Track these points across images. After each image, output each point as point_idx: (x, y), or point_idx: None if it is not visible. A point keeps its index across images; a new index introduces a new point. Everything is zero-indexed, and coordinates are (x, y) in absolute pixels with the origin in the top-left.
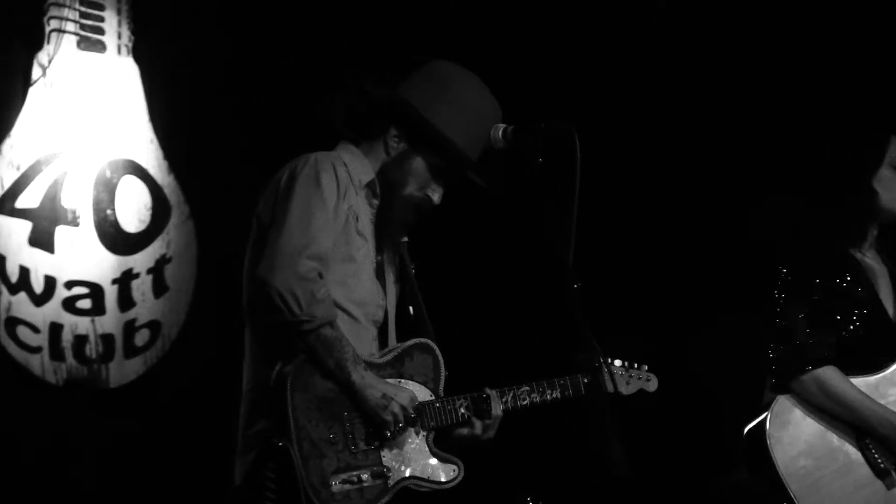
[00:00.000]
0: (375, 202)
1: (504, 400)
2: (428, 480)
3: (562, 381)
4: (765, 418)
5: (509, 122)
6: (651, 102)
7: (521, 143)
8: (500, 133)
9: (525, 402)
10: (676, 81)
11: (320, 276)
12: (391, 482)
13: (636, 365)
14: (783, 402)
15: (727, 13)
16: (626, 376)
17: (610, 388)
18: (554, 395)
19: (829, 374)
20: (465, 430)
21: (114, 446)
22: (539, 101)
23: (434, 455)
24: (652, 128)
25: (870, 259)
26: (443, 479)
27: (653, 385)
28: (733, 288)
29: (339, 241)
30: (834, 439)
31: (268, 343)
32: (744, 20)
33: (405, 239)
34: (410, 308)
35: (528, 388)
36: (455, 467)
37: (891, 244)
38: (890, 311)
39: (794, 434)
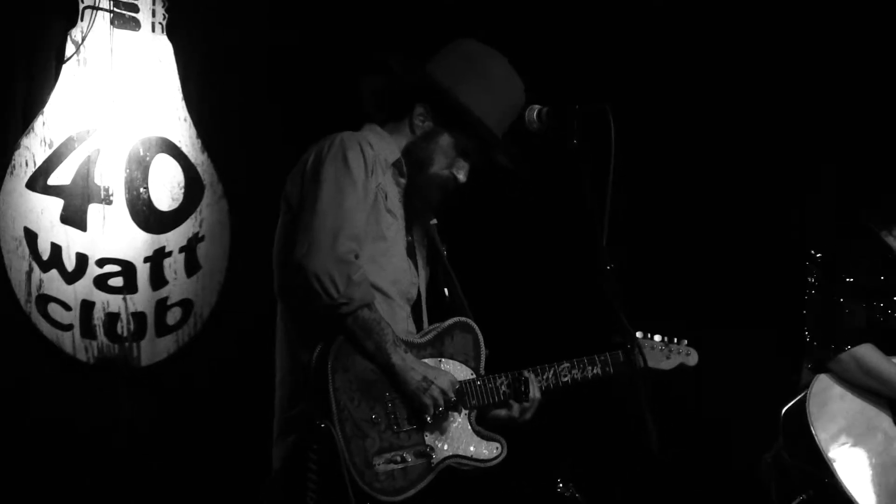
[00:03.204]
0: (402, 181)
1: (545, 377)
2: (471, 459)
3: (602, 358)
4: (804, 397)
5: (544, 103)
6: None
7: (557, 124)
8: (535, 115)
9: (566, 379)
10: (710, 64)
11: (356, 257)
12: (434, 461)
13: (676, 340)
14: (822, 381)
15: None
16: (666, 351)
17: (641, 364)
18: (595, 372)
19: (867, 350)
20: (502, 412)
21: (145, 424)
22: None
23: (476, 433)
24: (679, 112)
25: None
26: (486, 457)
27: (693, 359)
28: (768, 268)
29: (369, 220)
30: (872, 417)
31: (305, 326)
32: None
33: (434, 221)
34: (445, 290)
35: (568, 364)
36: (498, 445)
37: None
38: None
39: (833, 412)
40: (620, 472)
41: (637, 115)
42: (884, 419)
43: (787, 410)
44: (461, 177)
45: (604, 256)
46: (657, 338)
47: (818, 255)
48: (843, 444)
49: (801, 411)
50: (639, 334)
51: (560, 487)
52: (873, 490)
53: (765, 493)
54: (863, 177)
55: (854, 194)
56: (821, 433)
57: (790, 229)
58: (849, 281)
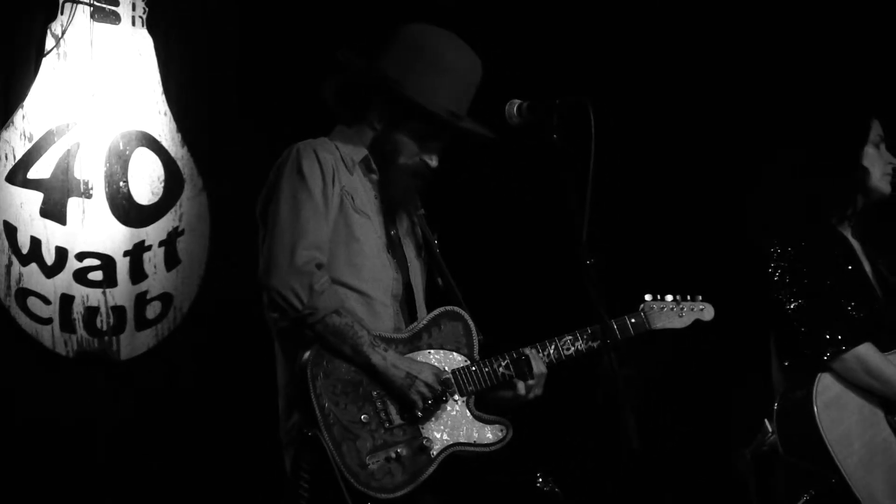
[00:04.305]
0: (374, 177)
1: (547, 353)
2: (475, 444)
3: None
4: (807, 396)
5: (524, 97)
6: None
7: (536, 119)
8: (515, 109)
9: (570, 352)
10: (683, 64)
11: (319, 266)
12: (435, 452)
13: (689, 297)
14: (825, 380)
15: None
16: (678, 310)
17: (617, 366)
18: (598, 341)
19: (868, 350)
20: (508, 393)
21: (124, 418)
22: (550, 78)
23: (477, 419)
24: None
25: (851, 238)
26: (490, 441)
27: (708, 313)
28: (746, 260)
29: (338, 224)
30: (870, 415)
31: (290, 339)
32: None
33: (422, 211)
34: (438, 279)
35: (570, 337)
36: (503, 427)
37: (864, 223)
38: (877, 290)
39: (837, 411)
40: (601, 467)
41: (617, 110)
42: (880, 417)
43: (781, 409)
44: (433, 162)
45: (584, 252)
46: (668, 297)
47: (791, 249)
48: (850, 444)
49: (804, 411)
50: (648, 296)
51: (540, 482)
52: (879, 489)
53: (742, 486)
54: (814, 172)
55: (809, 190)
56: (829, 433)
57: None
58: (833, 277)
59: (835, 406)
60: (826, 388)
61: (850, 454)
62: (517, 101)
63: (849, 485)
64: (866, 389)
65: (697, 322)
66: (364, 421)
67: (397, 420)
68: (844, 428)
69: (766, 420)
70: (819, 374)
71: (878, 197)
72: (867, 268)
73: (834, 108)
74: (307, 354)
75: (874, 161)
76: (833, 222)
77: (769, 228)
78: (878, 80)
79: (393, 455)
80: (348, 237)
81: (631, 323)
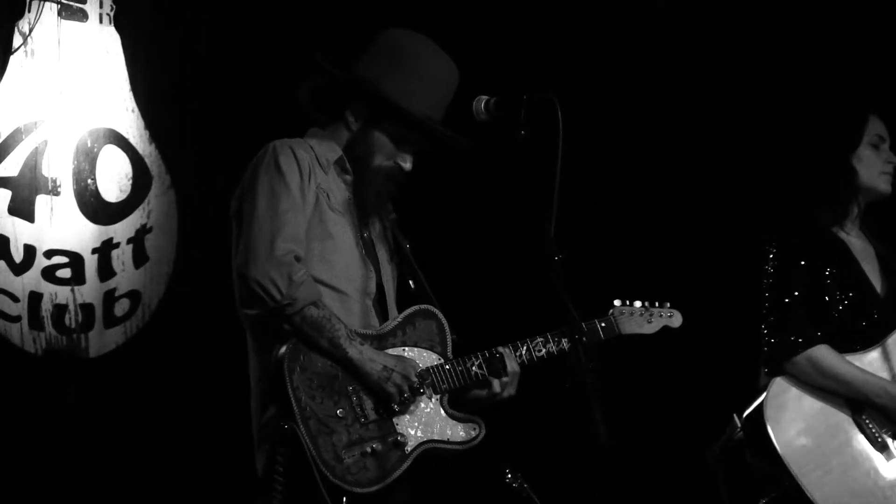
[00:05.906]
0: (348, 178)
1: (518, 354)
2: (448, 442)
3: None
4: (762, 401)
5: (493, 94)
6: (641, 84)
7: (504, 114)
8: (483, 105)
9: (541, 353)
10: (665, 58)
11: (297, 259)
12: (409, 448)
13: (657, 303)
14: (779, 384)
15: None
16: (647, 315)
17: (585, 358)
18: (569, 343)
19: (822, 352)
20: (483, 392)
21: (93, 416)
22: (523, 74)
23: (451, 417)
24: (639, 108)
25: (854, 238)
26: (463, 439)
27: (676, 321)
28: (723, 262)
29: (313, 221)
30: (831, 417)
31: (264, 334)
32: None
33: (393, 216)
34: (410, 282)
35: (542, 339)
36: (475, 425)
37: (873, 222)
38: (878, 288)
39: (791, 414)
40: (570, 461)
41: (589, 107)
42: (843, 418)
43: (748, 414)
44: (406, 165)
45: (551, 247)
46: (637, 303)
47: (772, 251)
48: (803, 445)
49: (759, 415)
50: (617, 302)
51: (508, 478)
52: (835, 489)
53: (712, 482)
54: (806, 174)
55: (797, 191)
56: (779, 436)
57: (742, 227)
58: (805, 276)
59: (788, 409)
60: (780, 391)
61: (802, 456)
62: (484, 97)
63: (802, 487)
64: (827, 391)
65: (666, 329)
66: (340, 415)
67: (372, 415)
68: (797, 431)
69: (734, 415)
70: (773, 378)
71: (876, 196)
72: (868, 267)
73: (825, 109)
74: (284, 349)
75: (869, 160)
76: (824, 222)
77: (761, 231)
78: (883, 80)
79: (368, 450)
80: (323, 234)
81: (601, 327)
